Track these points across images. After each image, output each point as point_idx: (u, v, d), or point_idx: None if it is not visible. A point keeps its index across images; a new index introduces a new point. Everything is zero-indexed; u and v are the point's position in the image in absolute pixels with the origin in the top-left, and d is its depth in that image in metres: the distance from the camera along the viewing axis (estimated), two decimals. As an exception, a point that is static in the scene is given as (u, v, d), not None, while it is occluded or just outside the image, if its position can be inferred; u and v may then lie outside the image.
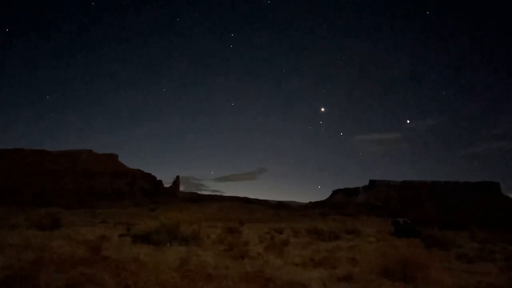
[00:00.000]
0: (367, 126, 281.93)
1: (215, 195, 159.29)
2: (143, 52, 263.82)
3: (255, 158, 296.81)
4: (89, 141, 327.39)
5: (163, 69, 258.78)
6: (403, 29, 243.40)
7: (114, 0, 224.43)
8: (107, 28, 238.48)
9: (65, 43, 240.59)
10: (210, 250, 9.96)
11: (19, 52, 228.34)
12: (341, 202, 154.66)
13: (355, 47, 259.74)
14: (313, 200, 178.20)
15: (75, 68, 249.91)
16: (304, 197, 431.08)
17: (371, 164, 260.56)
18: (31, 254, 6.23)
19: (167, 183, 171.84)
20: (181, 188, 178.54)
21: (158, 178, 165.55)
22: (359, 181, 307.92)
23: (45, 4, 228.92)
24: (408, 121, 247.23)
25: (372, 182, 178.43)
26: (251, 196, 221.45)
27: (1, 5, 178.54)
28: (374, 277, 6.27)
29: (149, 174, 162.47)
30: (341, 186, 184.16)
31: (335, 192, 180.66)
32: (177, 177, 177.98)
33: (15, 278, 4.45)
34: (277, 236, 17.99)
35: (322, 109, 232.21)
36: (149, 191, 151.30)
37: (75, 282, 4.44)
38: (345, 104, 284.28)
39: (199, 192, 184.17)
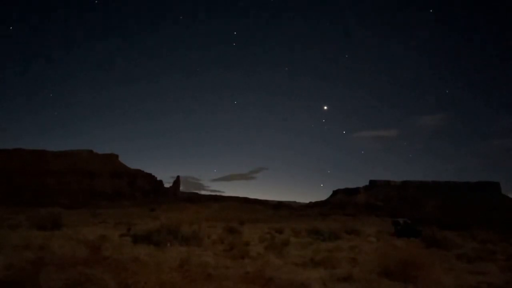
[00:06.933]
0: (368, 124, 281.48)
1: (215, 195, 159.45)
2: (143, 52, 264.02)
3: (255, 157, 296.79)
4: (89, 141, 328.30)
5: (163, 69, 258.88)
6: (405, 28, 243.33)
7: None
8: (107, 28, 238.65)
9: (64, 44, 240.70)
10: (210, 250, 9.97)
11: (19, 51, 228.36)
12: (341, 202, 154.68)
13: (357, 45, 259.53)
14: (313, 200, 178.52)
15: (75, 67, 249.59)
16: (304, 197, 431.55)
17: (372, 163, 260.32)
18: (31, 254, 6.23)
19: (167, 183, 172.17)
20: (181, 188, 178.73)
21: (158, 178, 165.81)
22: (359, 181, 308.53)
23: (45, 1, 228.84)
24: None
25: (372, 182, 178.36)
26: (251, 196, 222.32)
27: (1, 4, 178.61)
28: (374, 277, 6.27)
29: (149, 174, 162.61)
30: (341, 186, 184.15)
31: (335, 192, 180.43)
32: (178, 177, 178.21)
33: (16, 278, 4.46)
34: (277, 236, 17.99)
35: (325, 107, 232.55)
36: (149, 191, 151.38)
37: (75, 282, 4.44)
38: (347, 103, 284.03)
39: (199, 192, 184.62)
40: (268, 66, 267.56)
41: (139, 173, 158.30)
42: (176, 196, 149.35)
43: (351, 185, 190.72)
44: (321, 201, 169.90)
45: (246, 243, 12.67)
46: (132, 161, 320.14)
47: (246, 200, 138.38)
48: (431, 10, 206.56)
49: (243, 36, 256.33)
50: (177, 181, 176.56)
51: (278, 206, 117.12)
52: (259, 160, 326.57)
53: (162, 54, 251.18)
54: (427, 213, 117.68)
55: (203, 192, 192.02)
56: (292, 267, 7.62)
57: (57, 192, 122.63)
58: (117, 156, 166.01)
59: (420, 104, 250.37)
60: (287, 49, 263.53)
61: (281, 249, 11.17)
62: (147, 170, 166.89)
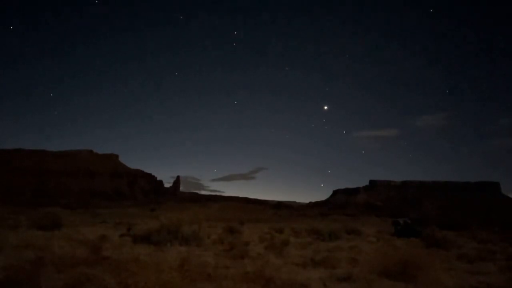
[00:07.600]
0: (368, 124, 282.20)
1: (215, 195, 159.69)
2: (143, 52, 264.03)
3: (255, 157, 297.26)
4: (89, 141, 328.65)
5: (163, 68, 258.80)
6: (405, 28, 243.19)
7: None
8: (107, 28, 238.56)
9: (64, 43, 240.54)
10: (210, 250, 9.96)
11: (19, 51, 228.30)
12: (341, 202, 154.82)
13: (357, 45, 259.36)
14: (313, 200, 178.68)
15: (75, 67, 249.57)
16: (304, 197, 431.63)
17: (372, 163, 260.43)
18: (31, 254, 6.23)
19: (167, 183, 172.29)
20: (181, 188, 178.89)
21: (158, 178, 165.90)
22: (359, 181, 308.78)
23: (45, 1, 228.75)
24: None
25: (372, 182, 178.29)
26: (251, 196, 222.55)
27: (2, 3, 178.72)
28: (374, 277, 6.27)
29: (149, 174, 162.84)
30: (341, 186, 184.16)
31: (335, 192, 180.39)
32: (178, 177, 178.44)
33: (16, 278, 4.46)
34: (277, 236, 17.97)
35: (325, 107, 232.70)
36: (149, 191, 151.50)
37: (75, 282, 4.44)
38: (347, 103, 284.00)
39: (199, 192, 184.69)
40: (268, 66, 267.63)
41: (139, 173, 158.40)
42: (176, 196, 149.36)
43: (351, 185, 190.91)
44: (321, 201, 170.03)
45: (246, 243, 12.66)
46: (132, 161, 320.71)
47: (246, 200, 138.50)
48: (431, 10, 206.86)
49: (243, 36, 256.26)
50: (177, 181, 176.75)
51: (278, 206, 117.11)
52: (259, 160, 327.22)
53: (162, 54, 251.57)
54: (427, 213, 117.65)
55: (203, 192, 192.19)
56: (292, 267, 7.62)
57: (57, 192, 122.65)
58: (117, 156, 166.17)
59: (420, 104, 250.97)
60: (287, 49, 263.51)
61: (281, 249, 11.16)
62: (147, 170, 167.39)
